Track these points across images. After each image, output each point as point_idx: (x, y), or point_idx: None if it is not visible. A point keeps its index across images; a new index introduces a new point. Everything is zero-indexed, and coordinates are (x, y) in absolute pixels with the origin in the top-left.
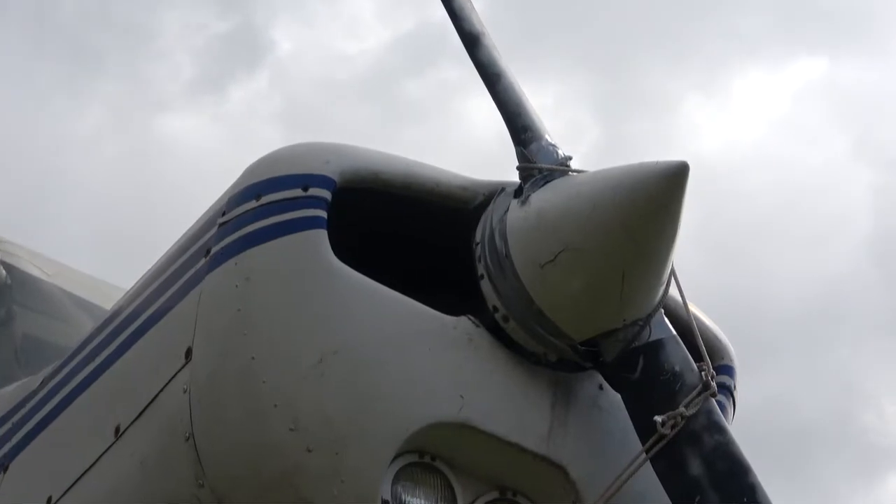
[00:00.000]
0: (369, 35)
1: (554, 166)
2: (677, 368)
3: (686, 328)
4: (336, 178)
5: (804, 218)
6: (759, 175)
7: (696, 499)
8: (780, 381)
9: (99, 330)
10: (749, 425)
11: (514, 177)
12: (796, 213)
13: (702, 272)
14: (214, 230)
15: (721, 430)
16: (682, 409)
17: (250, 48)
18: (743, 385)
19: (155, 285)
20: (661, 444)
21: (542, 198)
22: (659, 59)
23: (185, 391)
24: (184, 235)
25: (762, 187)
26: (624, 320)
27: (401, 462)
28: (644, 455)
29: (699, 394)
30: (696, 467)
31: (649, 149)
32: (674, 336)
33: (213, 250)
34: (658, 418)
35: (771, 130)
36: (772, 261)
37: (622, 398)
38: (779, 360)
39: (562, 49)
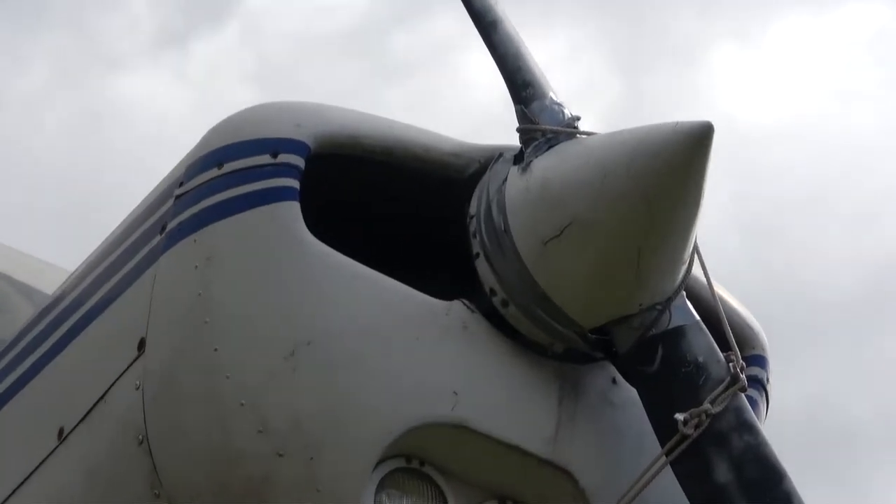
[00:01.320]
0: None
1: (559, 128)
2: (701, 359)
3: (711, 313)
4: (309, 142)
5: (853, 191)
6: (802, 141)
7: None
8: (824, 375)
9: (39, 318)
10: (787, 425)
11: (514, 140)
12: (844, 184)
13: (733, 251)
14: (171, 203)
15: (752, 429)
16: (707, 405)
17: None
18: (780, 379)
19: (103, 267)
20: (683, 446)
21: (546, 164)
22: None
23: (137, 388)
24: (136, 209)
25: (805, 155)
26: (640, 305)
27: (385, 468)
28: (664, 459)
29: (727, 388)
30: (723, 473)
31: (674, 106)
32: (697, 322)
33: (170, 226)
34: (679, 416)
35: (816, 87)
36: (815, 239)
37: (638, 394)
38: (823, 351)
39: None
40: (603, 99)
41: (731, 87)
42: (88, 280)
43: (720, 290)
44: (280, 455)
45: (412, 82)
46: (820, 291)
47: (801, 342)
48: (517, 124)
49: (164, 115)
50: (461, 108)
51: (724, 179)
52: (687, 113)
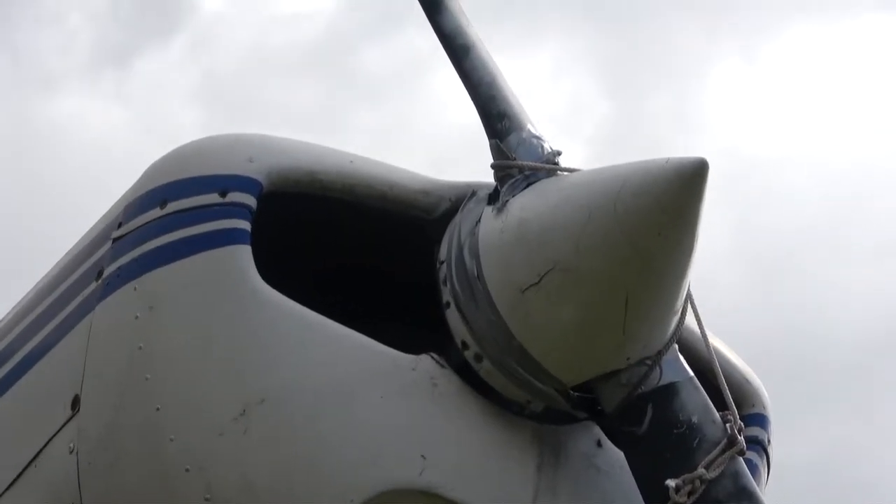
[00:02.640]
0: None
1: (538, 164)
2: (695, 419)
3: (706, 368)
4: (262, 179)
5: (868, 222)
6: (811, 168)
7: None
8: (837, 430)
9: None
10: (797, 484)
11: (489, 175)
12: (858, 216)
13: (736, 293)
14: (108, 246)
15: (752, 497)
16: (701, 470)
17: (163, 9)
18: (790, 435)
19: (33, 316)
20: None
21: (524, 204)
22: (683, 12)
23: (71, 451)
24: (70, 252)
25: (814, 184)
26: (628, 359)
27: None
28: None
29: (723, 451)
30: None
31: (669, 130)
32: (691, 378)
33: (107, 271)
34: (671, 483)
35: (826, 108)
36: (827, 278)
37: (626, 457)
38: (836, 404)
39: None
40: (590, 122)
41: (732, 106)
42: (16, 331)
43: (716, 342)
44: None
45: (381, 102)
46: (833, 338)
47: (814, 394)
48: (491, 159)
49: (102, 139)
50: (435, 130)
51: (724, 210)
52: (684, 139)
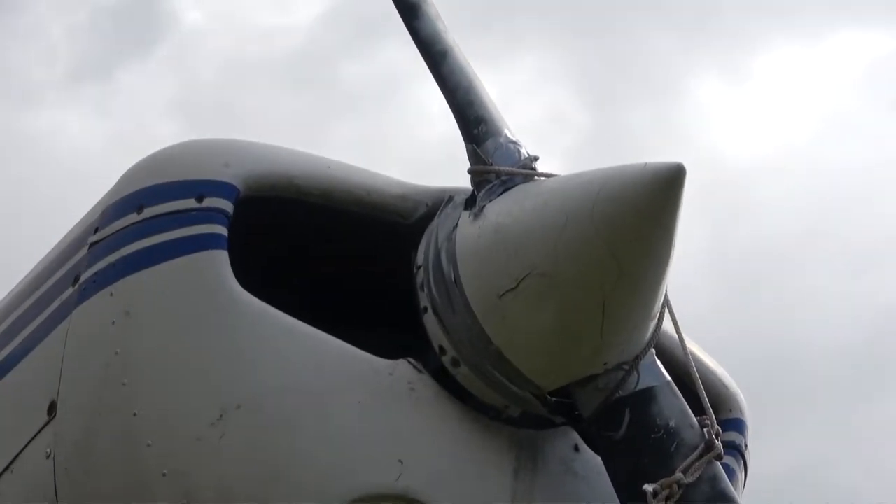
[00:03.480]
0: (296, 5)
1: (515, 169)
2: (672, 424)
3: (684, 373)
4: (238, 184)
5: (847, 236)
6: (790, 180)
7: None
8: (814, 443)
9: None
10: (773, 492)
11: (467, 182)
12: (836, 229)
13: (712, 305)
14: (84, 251)
15: (729, 501)
16: (679, 475)
17: (145, 22)
18: (764, 447)
19: (9, 321)
20: None
21: (501, 209)
22: (663, 26)
23: (48, 456)
24: (46, 257)
25: (793, 196)
26: (605, 364)
27: None
28: None
29: (701, 456)
30: None
31: (649, 142)
32: (668, 383)
33: (83, 277)
34: (649, 488)
35: (805, 122)
36: (804, 290)
37: (603, 462)
38: (813, 416)
39: (541, 11)
40: (570, 133)
41: (711, 119)
42: None
43: (693, 348)
44: None
45: (360, 115)
46: (810, 350)
47: (790, 406)
48: (469, 164)
49: (84, 151)
50: (414, 142)
51: (701, 221)
52: (664, 150)
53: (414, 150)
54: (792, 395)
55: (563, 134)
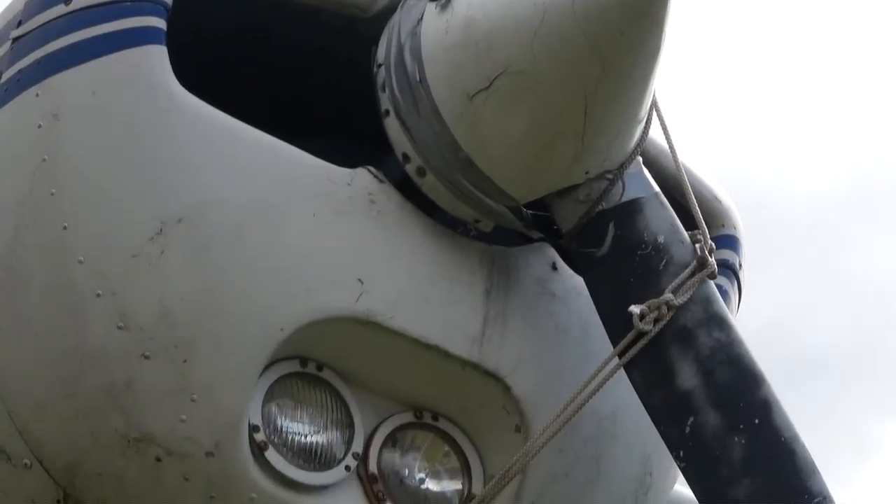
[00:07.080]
0: None
1: None
2: (661, 239)
3: (673, 185)
4: None
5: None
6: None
7: (689, 421)
8: (788, 294)
9: None
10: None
11: None
12: None
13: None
14: (6, 47)
15: (723, 324)
16: (668, 295)
17: None
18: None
19: None
20: (639, 345)
21: (472, 0)
22: None
23: None
24: None
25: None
26: (586, 173)
27: (276, 372)
28: (616, 360)
29: (693, 274)
30: (688, 377)
31: None
32: (656, 194)
33: (6, 76)
34: (635, 309)
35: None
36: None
37: (585, 282)
38: (785, 264)
39: None
40: None
41: None
42: None
43: (685, 158)
44: (146, 357)
45: None
46: (785, 194)
47: (761, 254)
48: None
49: None
50: None
51: (690, 19)
52: None
53: None
54: (761, 241)
55: None
